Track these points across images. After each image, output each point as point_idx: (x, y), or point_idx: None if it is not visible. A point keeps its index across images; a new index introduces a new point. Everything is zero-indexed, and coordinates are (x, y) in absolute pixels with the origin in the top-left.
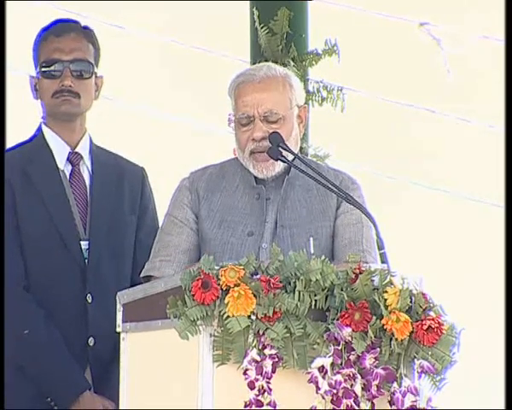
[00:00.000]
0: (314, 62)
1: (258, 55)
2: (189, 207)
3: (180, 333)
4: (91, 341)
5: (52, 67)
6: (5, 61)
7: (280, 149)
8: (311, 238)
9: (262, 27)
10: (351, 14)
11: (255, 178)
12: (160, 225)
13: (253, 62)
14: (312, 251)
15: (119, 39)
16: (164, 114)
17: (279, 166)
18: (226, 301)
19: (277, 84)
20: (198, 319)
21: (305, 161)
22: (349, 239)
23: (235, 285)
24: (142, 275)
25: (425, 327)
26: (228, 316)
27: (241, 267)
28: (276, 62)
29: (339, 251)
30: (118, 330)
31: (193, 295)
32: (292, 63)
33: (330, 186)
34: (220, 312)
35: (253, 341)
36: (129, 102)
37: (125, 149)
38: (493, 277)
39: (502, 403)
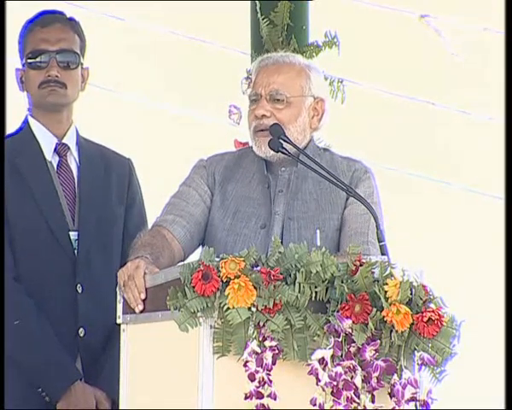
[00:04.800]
0: (314, 54)
1: (258, 47)
2: (206, 183)
3: (180, 325)
4: (82, 331)
5: (38, 58)
6: (5, 59)
7: (281, 140)
8: (318, 230)
9: (263, 19)
10: (352, 6)
11: (266, 166)
12: (173, 194)
13: (254, 55)
14: (319, 243)
15: (117, 30)
16: (162, 105)
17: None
18: (226, 293)
19: (290, 70)
20: (198, 311)
21: (306, 154)
22: (355, 230)
23: (236, 277)
24: (152, 225)
25: (425, 319)
26: (228, 308)
27: (242, 259)
28: None
29: (344, 241)
30: (118, 321)
31: (193, 287)
32: None
33: (330, 177)
34: (220, 303)
35: (254, 333)
36: (127, 93)
37: (123, 140)
38: (493, 269)
39: (502, 403)
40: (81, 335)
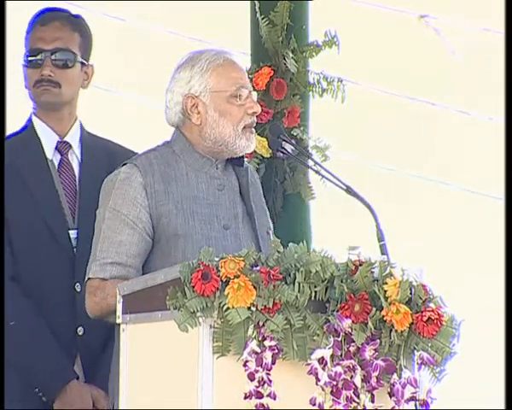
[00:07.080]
0: (314, 54)
1: (258, 46)
2: (142, 206)
3: (179, 325)
4: (80, 330)
5: (38, 57)
6: (5, 59)
7: (280, 139)
8: (270, 231)
9: (262, 19)
10: (351, 6)
11: (199, 165)
12: (104, 218)
13: (254, 54)
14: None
15: (117, 30)
16: (162, 105)
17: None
18: (226, 293)
19: None
20: (198, 311)
21: (307, 154)
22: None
23: (235, 277)
24: (90, 276)
25: (425, 319)
26: (228, 307)
27: (241, 259)
28: (277, 54)
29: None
30: (118, 321)
31: (193, 287)
32: (290, 55)
33: (330, 177)
34: (220, 303)
35: (253, 332)
36: (126, 93)
37: (122, 140)
38: (493, 269)
39: (502, 403)
40: (80, 334)
